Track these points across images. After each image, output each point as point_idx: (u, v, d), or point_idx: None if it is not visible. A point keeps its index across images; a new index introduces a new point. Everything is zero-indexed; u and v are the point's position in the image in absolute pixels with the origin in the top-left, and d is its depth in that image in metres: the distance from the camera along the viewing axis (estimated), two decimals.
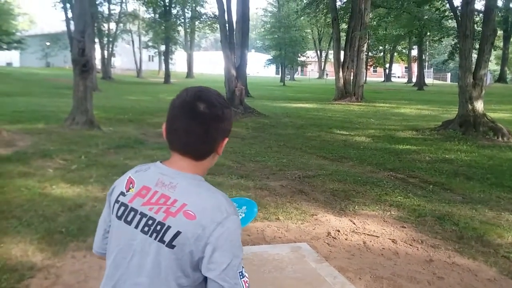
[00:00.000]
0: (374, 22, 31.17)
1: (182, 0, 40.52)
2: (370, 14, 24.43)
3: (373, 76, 65.79)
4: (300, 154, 8.42)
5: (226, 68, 15.28)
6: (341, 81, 23.53)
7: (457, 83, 11.92)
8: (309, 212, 4.80)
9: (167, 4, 38.57)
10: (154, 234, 1.11)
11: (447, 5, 15.12)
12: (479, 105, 10.97)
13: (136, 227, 1.15)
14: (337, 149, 9.04)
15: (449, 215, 4.83)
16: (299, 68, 66.18)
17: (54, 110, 13.33)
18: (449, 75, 64.46)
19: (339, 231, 4.28)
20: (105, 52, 37.21)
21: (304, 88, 37.93)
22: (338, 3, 27.46)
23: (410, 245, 4.00)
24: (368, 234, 4.22)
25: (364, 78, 31.69)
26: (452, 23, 18.46)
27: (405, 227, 4.45)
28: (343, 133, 11.38)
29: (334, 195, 5.50)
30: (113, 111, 13.79)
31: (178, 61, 57.61)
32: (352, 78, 23.64)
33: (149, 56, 56.25)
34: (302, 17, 38.50)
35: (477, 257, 3.77)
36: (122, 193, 1.24)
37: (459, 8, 11.62)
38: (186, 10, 44.21)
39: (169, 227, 1.10)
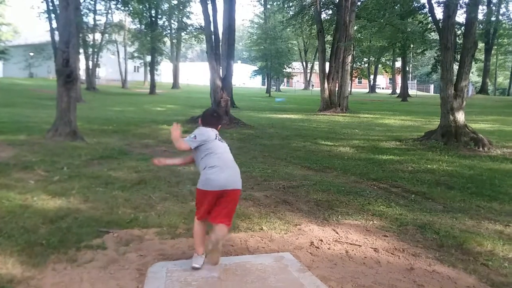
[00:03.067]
0: (359, 34, 31.65)
1: (168, 11, 40.67)
2: (355, 26, 24.80)
3: (358, 87, 66.68)
4: (284, 164, 8.46)
5: (212, 79, 15.32)
6: (327, 92, 23.76)
7: (439, 95, 12.14)
8: (292, 222, 4.82)
9: (153, 15, 38.62)
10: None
11: (430, 18, 15.42)
12: (460, 116, 11.17)
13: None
14: (322, 159, 9.10)
15: (430, 224, 4.89)
16: (285, 79, 66.64)
17: (37, 121, 13.20)
18: (432, 86, 65.62)
19: (322, 240, 4.30)
20: (90, 63, 37.01)
21: (290, 99, 38.18)
22: (323, 15, 27.86)
23: (392, 253, 4.04)
24: (350, 243, 4.25)
25: (349, 89, 32.10)
26: (434, 36, 18.83)
27: (387, 236, 4.49)
28: (328, 143, 11.47)
29: (318, 205, 5.54)
30: (97, 122, 13.70)
31: (164, 72, 57.70)
32: (337, 89, 23.91)
33: (135, 66, 56.14)
34: (288, 29, 38.91)
35: (457, 265, 3.82)
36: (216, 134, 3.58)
37: (441, 21, 11.88)
38: (172, 21, 44.37)
39: None
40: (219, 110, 3.84)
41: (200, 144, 3.48)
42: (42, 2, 28.88)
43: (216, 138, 3.58)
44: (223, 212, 3.38)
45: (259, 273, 3.37)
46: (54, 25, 25.78)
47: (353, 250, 4.09)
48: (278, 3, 35.48)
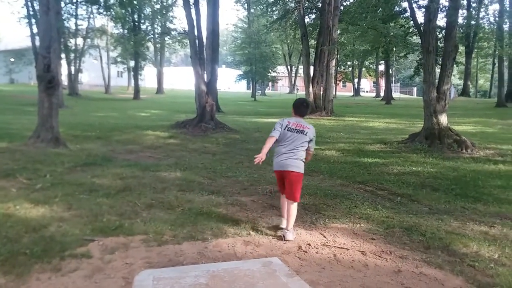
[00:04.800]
0: (342, 38, 31.91)
1: (151, 16, 40.44)
2: (338, 30, 25.00)
3: (343, 91, 67.17)
4: (271, 169, 8.38)
5: (196, 83, 15.26)
6: (311, 95, 23.86)
7: (422, 97, 12.28)
8: (280, 226, 4.80)
9: (136, 19, 38.37)
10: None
11: (411, 22, 15.63)
12: (443, 119, 11.31)
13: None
14: (308, 163, 9.09)
15: (416, 226, 4.93)
16: (270, 83, 66.83)
17: (18, 127, 12.96)
18: (415, 89, 66.46)
19: (310, 244, 4.30)
20: (72, 68, 36.54)
21: (275, 103, 38.27)
22: (307, 20, 28.03)
23: (379, 256, 4.05)
24: (338, 247, 4.26)
25: (334, 93, 32.35)
26: (416, 39, 19.05)
27: (374, 239, 4.51)
28: (314, 147, 11.48)
29: (305, 209, 5.53)
30: (80, 128, 13.52)
31: (148, 77, 57.27)
32: (322, 92, 24.03)
33: (118, 71, 55.64)
34: (272, 33, 39.05)
35: (443, 266, 3.85)
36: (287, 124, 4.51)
37: (422, 24, 12.04)
38: (155, 26, 44.14)
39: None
40: (307, 100, 5.13)
41: (279, 133, 4.52)
42: (22, 7, 28.55)
43: (285, 128, 4.51)
44: (287, 190, 4.54)
45: (247, 278, 3.33)
46: (35, 30, 25.38)
47: (341, 254, 4.09)
48: (262, 7, 35.62)
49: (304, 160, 4.65)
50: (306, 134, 4.52)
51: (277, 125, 4.56)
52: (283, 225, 4.62)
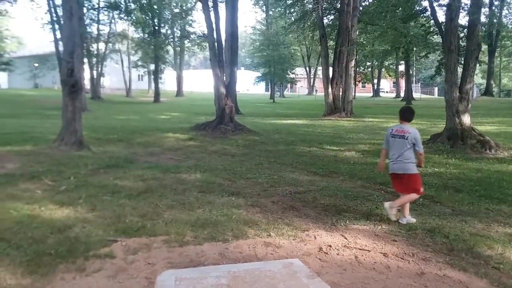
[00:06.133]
0: (362, 39, 31.65)
1: (171, 20, 40.87)
2: (357, 31, 24.81)
3: (362, 92, 66.59)
4: (290, 170, 8.44)
5: (215, 86, 15.36)
6: (330, 97, 23.75)
7: (444, 97, 12.10)
8: (300, 228, 4.80)
9: (156, 23, 38.84)
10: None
11: (432, 21, 15.41)
12: (466, 119, 11.12)
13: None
14: (328, 164, 9.08)
15: (439, 227, 4.86)
16: (289, 85, 66.69)
17: (43, 131, 13.26)
18: (436, 89, 65.45)
19: (330, 246, 4.28)
20: (94, 72, 37.22)
21: (294, 105, 38.22)
22: (325, 21, 27.88)
23: (402, 258, 4.01)
24: (359, 249, 4.23)
25: (353, 94, 32.07)
26: (437, 39, 18.76)
27: (396, 241, 4.46)
28: (333, 148, 11.44)
29: (325, 210, 5.51)
30: (102, 131, 13.74)
31: (168, 80, 57.84)
32: (341, 93, 23.89)
33: (139, 75, 56.38)
34: (290, 35, 38.95)
35: (467, 268, 3.79)
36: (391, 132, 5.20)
37: (444, 24, 11.86)
38: (175, 29, 44.59)
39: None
40: (411, 106, 5.50)
41: (386, 143, 5.32)
42: (46, 13, 29.16)
43: (389, 136, 5.19)
44: (401, 188, 5.22)
45: (268, 279, 3.34)
46: (58, 35, 25.96)
47: (362, 255, 4.06)
48: (280, 9, 35.58)
49: (413, 161, 5.09)
50: (406, 138, 5.00)
51: (384, 138, 5.41)
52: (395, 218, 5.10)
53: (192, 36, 40.22)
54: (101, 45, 38.39)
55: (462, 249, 4.24)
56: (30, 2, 43.48)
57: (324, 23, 26.67)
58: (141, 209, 5.34)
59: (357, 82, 48.13)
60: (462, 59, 11.84)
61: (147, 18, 37.62)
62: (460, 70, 11.86)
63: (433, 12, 13.14)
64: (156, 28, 38.84)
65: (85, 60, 32.66)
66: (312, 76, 66.08)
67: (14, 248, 3.97)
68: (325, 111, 23.93)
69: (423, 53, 23.62)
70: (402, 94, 48.18)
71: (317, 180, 7.51)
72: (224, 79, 15.64)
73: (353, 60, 24.98)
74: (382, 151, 5.50)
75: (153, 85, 43.02)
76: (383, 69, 56.64)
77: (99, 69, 38.02)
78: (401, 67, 51.55)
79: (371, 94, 57.62)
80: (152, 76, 42.59)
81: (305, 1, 28.09)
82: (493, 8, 27.55)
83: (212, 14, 15.74)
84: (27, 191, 6.13)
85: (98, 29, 36.70)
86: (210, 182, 6.98)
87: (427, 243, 4.42)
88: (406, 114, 5.22)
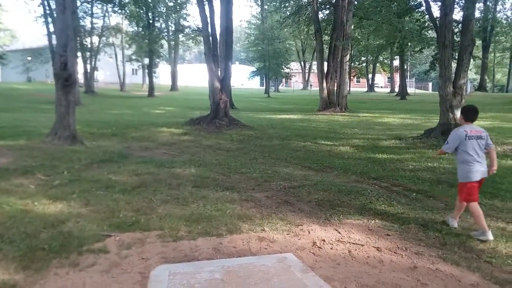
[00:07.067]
0: (356, 33, 31.63)
1: (165, 13, 40.61)
2: (352, 25, 24.80)
3: (357, 86, 66.69)
4: (285, 165, 8.45)
5: (210, 80, 15.31)
6: (325, 91, 23.75)
7: (438, 92, 12.14)
8: (294, 222, 4.81)
9: (150, 17, 38.58)
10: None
11: (427, 16, 15.43)
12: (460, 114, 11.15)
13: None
14: (322, 159, 9.10)
15: (432, 222, 4.89)
16: (284, 80, 66.64)
17: (36, 125, 13.17)
18: (430, 84, 65.68)
19: (324, 240, 4.30)
20: (88, 66, 36.94)
21: (289, 99, 38.20)
22: (320, 15, 27.82)
23: (395, 252, 4.03)
24: (353, 243, 4.25)
25: (348, 89, 32.13)
26: (432, 34, 18.80)
27: (389, 235, 4.49)
28: (328, 143, 11.46)
29: (319, 205, 5.53)
30: (96, 126, 13.67)
31: (162, 74, 57.65)
32: (335, 88, 23.90)
33: (133, 69, 56.09)
34: (285, 29, 38.83)
35: (460, 263, 3.82)
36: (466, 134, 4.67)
37: (438, 18, 11.87)
38: (169, 23, 44.33)
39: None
40: (475, 105, 5.00)
41: (454, 147, 4.77)
42: (39, 6, 28.88)
43: (465, 138, 4.67)
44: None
45: (262, 274, 3.36)
46: (51, 29, 25.74)
47: (355, 250, 4.08)
48: (275, 3, 35.45)
49: None
50: (484, 138, 4.75)
51: (452, 139, 4.80)
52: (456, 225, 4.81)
53: (186, 30, 40.04)
54: (95, 39, 38.07)
55: (454, 243, 4.28)
56: None
57: (319, 17, 26.62)
58: (135, 204, 5.33)
59: (351, 77, 48.23)
60: (456, 54, 11.88)
61: (141, 11, 37.31)
62: (454, 65, 11.89)
63: (428, 7, 13.17)
64: (150, 21, 38.56)
65: (79, 54, 32.40)
66: (307, 71, 66.07)
67: (7, 243, 3.95)
68: (319, 106, 23.94)
69: (418, 48, 23.68)
70: (396, 89, 48.32)
71: (311, 174, 7.53)
72: (219, 74, 15.59)
73: (348, 55, 24.97)
74: (441, 151, 5.12)
75: (147, 79, 42.80)
76: (377, 64, 56.71)
77: (93, 63, 37.73)
78: (396, 62, 51.63)
79: (365, 89, 57.69)
80: (146, 70, 42.35)
81: None
82: (488, 3, 27.66)
83: (206, 8, 15.67)
84: (20, 185, 6.09)
85: (91, 23, 36.39)
86: (205, 177, 6.97)
87: (420, 237, 4.45)
88: (472, 113, 4.89)
